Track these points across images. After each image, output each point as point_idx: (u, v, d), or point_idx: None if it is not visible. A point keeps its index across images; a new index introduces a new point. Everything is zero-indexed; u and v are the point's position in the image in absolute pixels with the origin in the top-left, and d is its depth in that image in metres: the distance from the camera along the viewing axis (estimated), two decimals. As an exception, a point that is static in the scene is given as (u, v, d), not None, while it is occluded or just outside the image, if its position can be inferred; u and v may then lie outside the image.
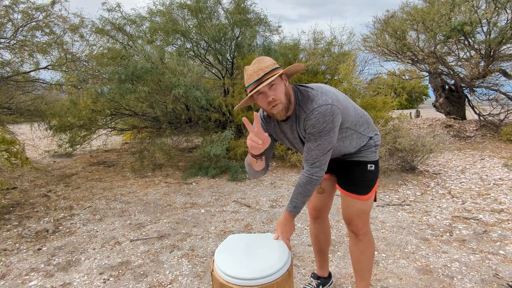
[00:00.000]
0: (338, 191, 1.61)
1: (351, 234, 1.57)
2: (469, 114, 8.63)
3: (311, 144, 1.29)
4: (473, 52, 7.02)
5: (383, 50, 8.33)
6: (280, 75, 1.26)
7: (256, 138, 1.19)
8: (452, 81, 8.60)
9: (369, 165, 1.49)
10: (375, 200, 1.58)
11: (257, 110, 5.29)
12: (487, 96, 8.01)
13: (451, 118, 8.38)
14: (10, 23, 4.74)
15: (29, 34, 4.93)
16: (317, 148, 1.28)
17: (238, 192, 3.92)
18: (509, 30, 5.96)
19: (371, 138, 1.50)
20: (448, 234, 2.58)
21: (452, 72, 7.93)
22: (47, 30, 4.99)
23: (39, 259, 2.34)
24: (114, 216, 3.20)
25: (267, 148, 1.37)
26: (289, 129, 1.37)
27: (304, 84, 1.36)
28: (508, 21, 6.18)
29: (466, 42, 6.90)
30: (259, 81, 1.22)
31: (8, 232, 2.84)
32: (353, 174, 1.50)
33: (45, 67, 5.23)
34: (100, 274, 2.12)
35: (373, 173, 1.50)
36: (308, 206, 1.77)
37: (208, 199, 3.68)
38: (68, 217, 3.19)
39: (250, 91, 1.25)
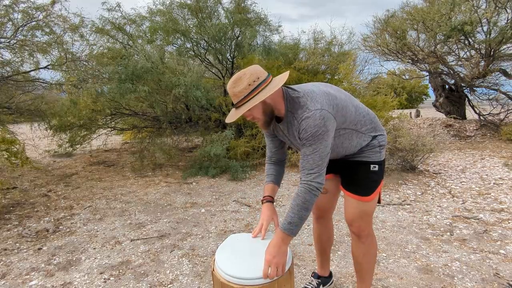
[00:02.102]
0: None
1: (353, 235, 1.54)
2: (469, 113, 8.62)
3: (306, 150, 1.24)
4: (473, 52, 7.02)
5: (383, 50, 8.32)
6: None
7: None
8: (452, 81, 8.60)
9: (372, 166, 1.44)
10: (379, 202, 1.53)
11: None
12: (487, 96, 8.01)
13: (451, 117, 8.38)
14: (10, 22, 4.74)
15: (29, 33, 4.92)
16: (313, 152, 1.22)
17: (238, 192, 3.92)
18: (509, 30, 5.96)
19: (374, 138, 1.44)
20: (448, 233, 2.58)
21: (452, 72, 7.93)
22: (47, 30, 4.97)
23: (40, 259, 2.34)
24: (115, 216, 3.20)
25: (279, 146, 1.54)
26: (286, 130, 1.37)
27: (295, 89, 1.32)
28: (508, 21, 6.18)
29: (466, 42, 6.89)
30: (235, 106, 1.24)
31: (9, 232, 2.84)
32: (356, 174, 1.47)
33: (45, 67, 5.22)
34: (101, 273, 2.12)
35: (377, 174, 1.46)
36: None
37: (208, 199, 3.68)
38: (68, 217, 3.19)
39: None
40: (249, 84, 1.19)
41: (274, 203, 1.51)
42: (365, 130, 1.42)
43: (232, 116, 1.25)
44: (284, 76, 1.22)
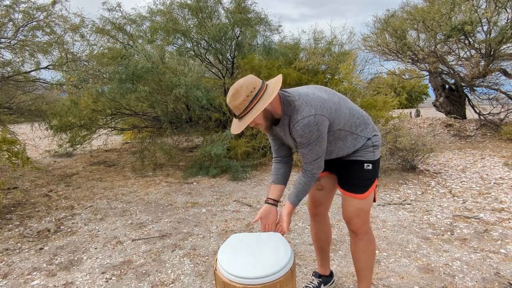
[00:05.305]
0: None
1: (351, 233, 1.59)
2: (469, 113, 8.63)
3: (304, 150, 1.37)
4: (473, 52, 7.02)
5: (383, 50, 8.32)
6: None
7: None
8: (452, 81, 8.60)
9: (365, 164, 1.49)
10: (374, 200, 1.58)
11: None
12: (487, 95, 8.01)
13: (451, 117, 8.38)
14: (11, 23, 4.74)
15: (30, 34, 4.92)
16: (310, 152, 1.36)
17: (239, 192, 3.92)
18: (509, 30, 5.96)
19: (369, 139, 1.50)
20: (449, 233, 2.59)
21: (452, 72, 7.93)
22: (48, 30, 4.98)
23: (41, 259, 2.35)
24: (116, 216, 3.20)
25: (280, 143, 1.60)
26: (282, 132, 1.44)
27: (290, 93, 1.37)
28: (508, 20, 6.18)
29: (466, 42, 6.89)
30: (238, 117, 1.32)
31: (10, 232, 2.84)
32: (350, 173, 1.52)
33: (46, 67, 5.23)
34: (102, 273, 2.13)
35: (371, 172, 1.50)
36: (307, 203, 1.80)
37: (209, 199, 3.68)
38: (70, 217, 3.20)
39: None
40: (247, 95, 1.27)
41: (278, 204, 1.55)
42: (360, 132, 1.48)
43: (238, 128, 1.33)
44: (278, 81, 1.31)
